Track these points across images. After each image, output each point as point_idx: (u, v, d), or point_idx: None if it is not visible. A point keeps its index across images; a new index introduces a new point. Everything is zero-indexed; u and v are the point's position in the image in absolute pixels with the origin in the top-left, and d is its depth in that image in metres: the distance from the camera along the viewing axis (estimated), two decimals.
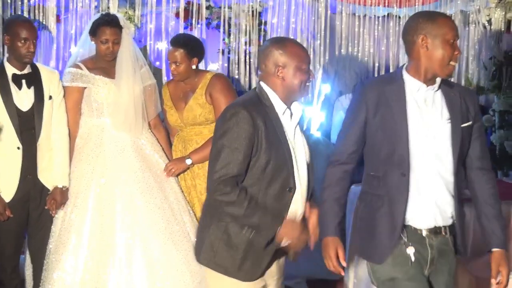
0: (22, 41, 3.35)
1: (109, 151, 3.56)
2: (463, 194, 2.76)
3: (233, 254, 2.55)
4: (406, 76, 2.63)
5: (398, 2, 5.55)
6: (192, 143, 3.69)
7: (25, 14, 4.70)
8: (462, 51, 5.68)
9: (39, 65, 3.59)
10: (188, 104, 3.66)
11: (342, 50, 5.53)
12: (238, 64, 5.32)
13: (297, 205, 2.60)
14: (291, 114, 2.62)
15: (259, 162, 2.49)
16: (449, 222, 2.67)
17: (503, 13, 5.57)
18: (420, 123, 2.59)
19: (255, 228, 2.49)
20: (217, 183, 2.46)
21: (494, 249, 2.65)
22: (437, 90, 2.63)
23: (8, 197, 3.37)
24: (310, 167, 2.67)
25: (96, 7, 4.88)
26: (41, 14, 4.81)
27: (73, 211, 3.48)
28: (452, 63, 2.58)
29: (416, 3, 5.53)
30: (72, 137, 3.57)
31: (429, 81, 2.60)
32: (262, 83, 2.62)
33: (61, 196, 3.47)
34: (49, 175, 3.47)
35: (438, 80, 2.62)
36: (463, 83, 5.79)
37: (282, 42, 2.63)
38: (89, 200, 3.49)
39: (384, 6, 5.54)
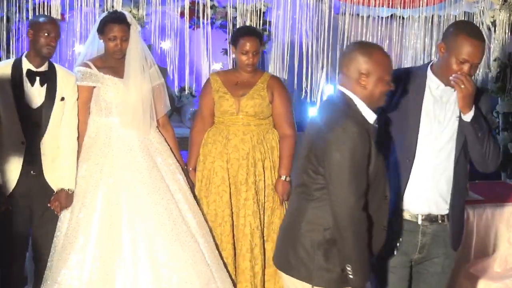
0: (45, 35, 3.36)
1: (117, 151, 3.55)
2: (463, 189, 2.94)
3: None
4: (429, 72, 2.81)
5: (402, 3, 5.54)
6: (238, 133, 3.73)
7: (29, 12, 4.70)
8: None
9: (58, 66, 3.59)
10: (249, 93, 3.73)
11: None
12: None
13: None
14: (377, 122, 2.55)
15: (369, 175, 2.43)
16: (445, 211, 2.84)
17: (508, 15, 5.56)
18: (432, 117, 2.78)
19: (354, 269, 2.43)
20: (355, 212, 2.38)
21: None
22: (454, 90, 2.76)
23: (8, 190, 3.37)
24: None
25: (100, 6, 4.88)
26: (45, 12, 4.80)
27: (81, 210, 3.48)
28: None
29: (420, 4, 5.52)
30: (80, 136, 3.56)
31: (447, 81, 2.75)
32: (344, 89, 2.52)
33: (66, 199, 3.48)
34: (55, 176, 3.47)
35: None
36: None
37: (368, 49, 2.53)
38: (97, 200, 3.48)
39: (388, 7, 5.53)
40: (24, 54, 3.47)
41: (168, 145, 3.74)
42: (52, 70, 3.48)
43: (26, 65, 3.42)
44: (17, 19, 4.62)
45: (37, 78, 3.43)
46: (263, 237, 3.76)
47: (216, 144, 3.76)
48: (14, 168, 3.38)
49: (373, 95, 2.49)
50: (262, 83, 3.77)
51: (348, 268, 2.42)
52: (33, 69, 3.42)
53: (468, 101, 2.71)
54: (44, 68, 3.45)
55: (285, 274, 2.60)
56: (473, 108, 2.74)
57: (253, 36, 3.72)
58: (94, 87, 3.56)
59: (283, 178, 3.75)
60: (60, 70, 3.55)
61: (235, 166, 3.72)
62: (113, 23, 3.51)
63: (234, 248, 3.76)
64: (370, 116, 2.50)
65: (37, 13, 4.75)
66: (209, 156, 3.78)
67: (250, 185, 3.71)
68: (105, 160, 3.53)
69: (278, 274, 3.73)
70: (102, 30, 3.54)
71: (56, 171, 3.47)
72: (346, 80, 2.51)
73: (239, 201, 3.72)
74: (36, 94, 3.42)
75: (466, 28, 2.76)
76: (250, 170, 3.71)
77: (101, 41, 3.58)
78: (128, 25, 3.55)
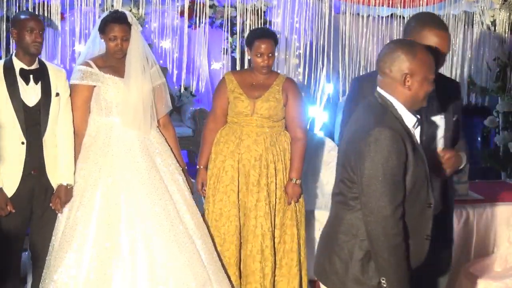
0: (29, 32, 3.36)
1: (117, 151, 3.53)
2: (452, 187, 2.95)
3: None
4: None
5: (402, 3, 5.54)
6: (251, 134, 3.71)
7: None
8: (466, 52, 5.71)
9: (47, 62, 3.58)
10: (264, 95, 3.72)
11: (345, 50, 5.53)
12: (241, 63, 5.31)
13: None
14: (418, 125, 2.43)
15: (406, 184, 2.32)
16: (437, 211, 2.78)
17: (508, 14, 5.57)
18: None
19: (389, 283, 2.34)
20: (388, 220, 2.27)
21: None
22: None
23: (10, 192, 3.36)
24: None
25: (100, 5, 4.88)
26: (45, 11, 4.81)
27: (79, 209, 3.46)
28: None
29: (420, 4, 5.53)
30: (80, 135, 3.55)
31: None
32: (382, 92, 2.39)
33: (66, 194, 3.47)
34: (55, 173, 3.47)
35: None
36: (466, 84, 5.79)
37: (412, 48, 2.37)
38: (95, 199, 3.47)
39: (388, 6, 5.54)
40: (14, 54, 3.46)
41: (169, 145, 3.73)
42: (43, 67, 3.48)
43: (18, 64, 3.41)
44: None
45: (31, 76, 3.42)
46: (274, 238, 3.76)
47: (229, 144, 3.75)
48: (15, 169, 3.37)
49: (418, 96, 2.37)
50: (278, 85, 3.76)
51: (383, 281, 2.34)
52: (26, 67, 3.41)
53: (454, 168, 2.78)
54: (35, 65, 3.44)
55: (322, 284, 2.53)
56: (460, 164, 2.78)
57: (268, 38, 3.70)
58: (95, 86, 3.56)
59: (293, 181, 3.73)
60: (50, 66, 3.54)
61: (247, 166, 3.71)
62: (113, 23, 3.50)
63: (240, 249, 3.75)
64: (410, 120, 2.38)
65: (37, 13, 4.74)
66: (220, 155, 3.76)
67: (262, 186, 3.70)
68: (105, 159, 3.53)
69: (291, 275, 3.75)
70: (103, 29, 3.54)
71: (55, 168, 3.47)
72: (388, 81, 2.38)
73: (250, 202, 3.71)
74: (32, 92, 3.41)
75: (431, 20, 2.70)
76: (262, 172, 3.70)
77: (102, 40, 3.58)
78: (129, 25, 3.54)
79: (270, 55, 3.68)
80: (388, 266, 2.31)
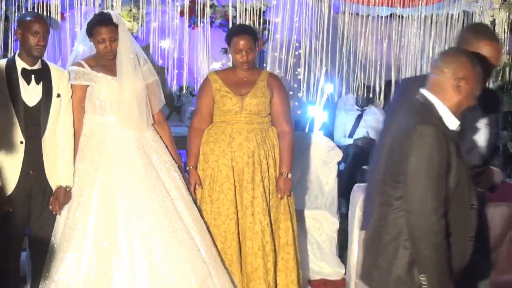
0: (33, 34, 3.36)
1: (113, 149, 3.56)
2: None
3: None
4: None
5: (401, 2, 5.54)
6: (242, 132, 3.73)
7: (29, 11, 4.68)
8: None
9: (50, 63, 3.59)
10: (252, 91, 3.75)
11: (345, 50, 5.53)
12: None
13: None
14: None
15: (449, 183, 2.34)
16: None
17: (507, 14, 5.57)
18: None
19: (429, 281, 2.34)
20: (430, 216, 2.29)
21: None
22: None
23: (8, 191, 3.37)
24: None
25: (100, 5, 4.87)
26: (44, 11, 4.80)
27: (78, 209, 3.48)
28: None
29: (420, 3, 5.53)
30: (76, 135, 3.56)
31: None
32: (426, 93, 2.43)
33: (64, 196, 3.47)
34: (54, 174, 3.47)
35: None
36: None
37: (475, 60, 2.42)
38: (93, 199, 3.49)
39: (388, 6, 5.54)
40: (17, 53, 3.47)
41: (164, 142, 3.75)
42: (45, 68, 3.49)
43: (20, 64, 3.42)
44: (16, 18, 4.60)
45: (33, 76, 3.43)
46: (273, 233, 3.77)
47: (220, 143, 3.76)
48: (14, 168, 3.38)
49: (462, 104, 2.40)
50: (262, 81, 3.79)
51: (422, 279, 2.34)
52: (28, 67, 3.42)
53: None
54: (38, 66, 3.45)
55: (367, 286, 2.54)
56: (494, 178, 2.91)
57: (245, 34, 3.72)
58: (88, 86, 3.57)
59: (284, 175, 3.77)
60: (53, 67, 3.56)
61: (240, 164, 3.73)
62: (99, 26, 3.53)
63: (240, 246, 3.76)
64: (452, 123, 2.40)
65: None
66: (212, 155, 3.78)
67: (257, 183, 3.72)
68: (100, 158, 3.54)
69: (289, 268, 3.76)
70: (90, 33, 3.57)
71: (55, 169, 3.47)
72: (440, 81, 2.40)
73: (245, 199, 3.72)
74: (33, 92, 3.42)
75: (488, 33, 2.83)
76: (256, 168, 3.72)
77: (92, 42, 3.60)
78: (115, 26, 3.56)
79: (249, 50, 3.70)
80: (429, 263, 2.31)
